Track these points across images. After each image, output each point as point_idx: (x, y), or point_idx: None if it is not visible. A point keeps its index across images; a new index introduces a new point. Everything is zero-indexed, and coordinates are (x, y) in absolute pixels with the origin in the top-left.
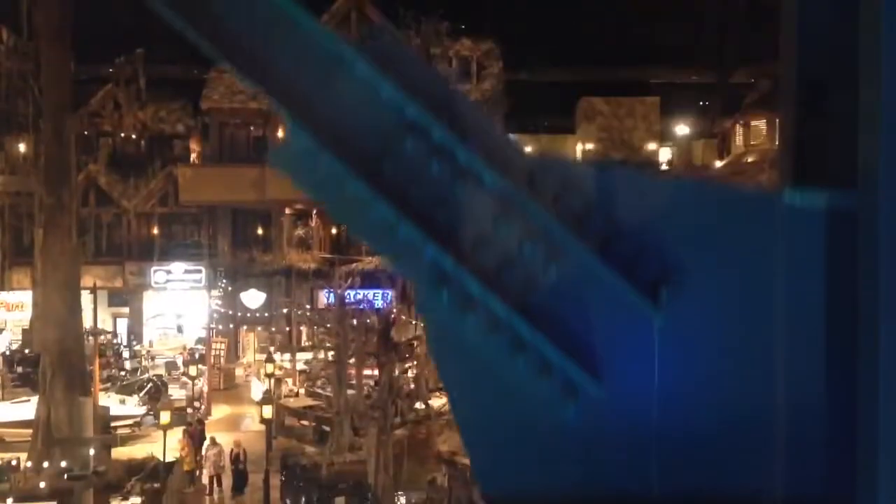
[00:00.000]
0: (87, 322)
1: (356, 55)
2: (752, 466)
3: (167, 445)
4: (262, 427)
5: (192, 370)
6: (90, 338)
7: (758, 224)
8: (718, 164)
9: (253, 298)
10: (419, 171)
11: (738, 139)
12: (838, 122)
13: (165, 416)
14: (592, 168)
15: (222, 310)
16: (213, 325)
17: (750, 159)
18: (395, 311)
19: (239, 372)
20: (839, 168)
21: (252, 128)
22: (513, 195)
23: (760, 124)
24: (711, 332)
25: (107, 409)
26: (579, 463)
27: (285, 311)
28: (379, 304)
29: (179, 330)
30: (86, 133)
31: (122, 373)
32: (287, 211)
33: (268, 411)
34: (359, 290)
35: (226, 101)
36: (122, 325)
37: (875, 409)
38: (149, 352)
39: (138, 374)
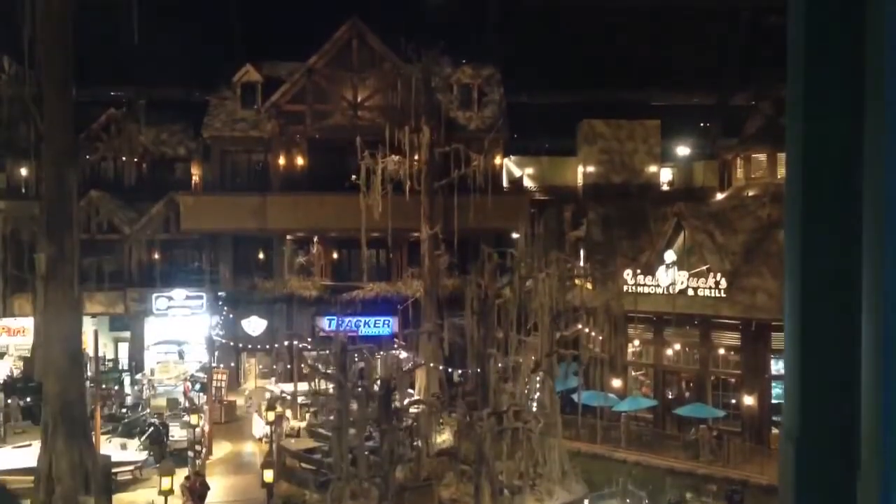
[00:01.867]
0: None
1: None
2: None
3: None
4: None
5: (193, 419)
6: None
7: None
8: (720, 195)
9: (254, 325)
10: None
11: (739, 171)
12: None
13: (166, 482)
14: None
15: (223, 340)
16: (213, 355)
17: (751, 192)
18: (394, 376)
19: (240, 402)
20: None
21: (253, 155)
22: None
23: (761, 157)
24: None
25: (108, 457)
26: None
27: (286, 343)
28: (381, 331)
29: (181, 356)
30: (87, 157)
31: (124, 410)
32: (288, 238)
33: (269, 475)
34: (360, 317)
35: (227, 129)
36: (124, 349)
37: None
38: (150, 381)
39: (140, 409)
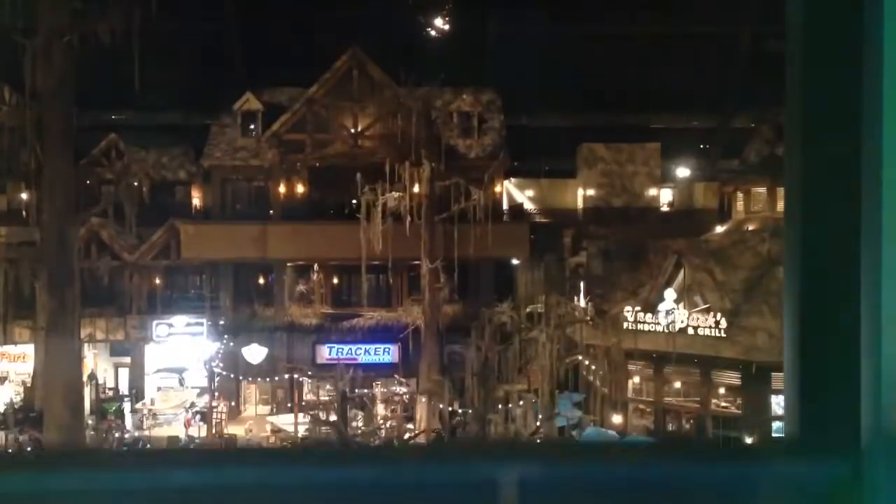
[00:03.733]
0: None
1: None
2: None
3: None
4: None
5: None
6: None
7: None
8: (720, 228)
9: (255, 353)
10: None
11: (739, 205)
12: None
13: None
14: None
15: (223, 372)
16: (213, 386)
17: (751, 227)
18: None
19: (240, 432)
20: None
21: (254, 184)
22: None
23: (761, 190)
24: None
25: None
26: None
27: (287, 375)
28: (381, 359)
29: (181, 382)
30: (88, 182)
31: (124, 447)
32: (288, 265)
33: None
34: (360, 345)
35: (227, 157)
36: (124, 374)
37: None
38: (150, 410)
39: (139, 446)
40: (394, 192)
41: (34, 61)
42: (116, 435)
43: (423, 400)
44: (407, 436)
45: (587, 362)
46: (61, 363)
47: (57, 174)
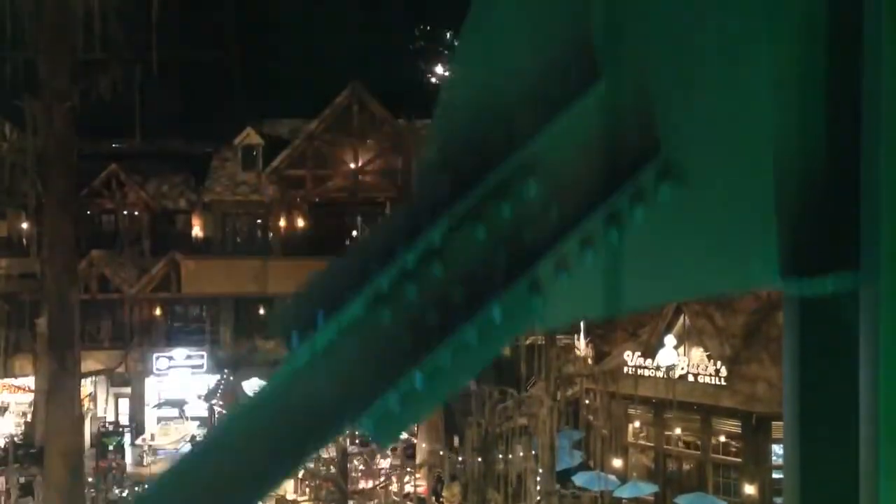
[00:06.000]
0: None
1: None
2: None
3: None
4: None
5: None
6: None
7: None
8: None
9: (255, 387)
10: None
11: None
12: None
13: None
14: None
15: (223, 411)
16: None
17: None
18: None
19: None
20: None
21: (254, 218)
22: None
23: None
24: None
25: None
26: None
27: None
28: None
29: (181, 415)
30: (88, 213)
31: (124, 493)
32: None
33: None
34: None
35: (228, 193)
36: (124, 404)
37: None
38: (150, 446)
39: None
40: None
41: (34, 125)
42: (116, 477)
43: (423, 472)
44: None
45: (587, 401)
46: (62, 399)
47: (58, 208)
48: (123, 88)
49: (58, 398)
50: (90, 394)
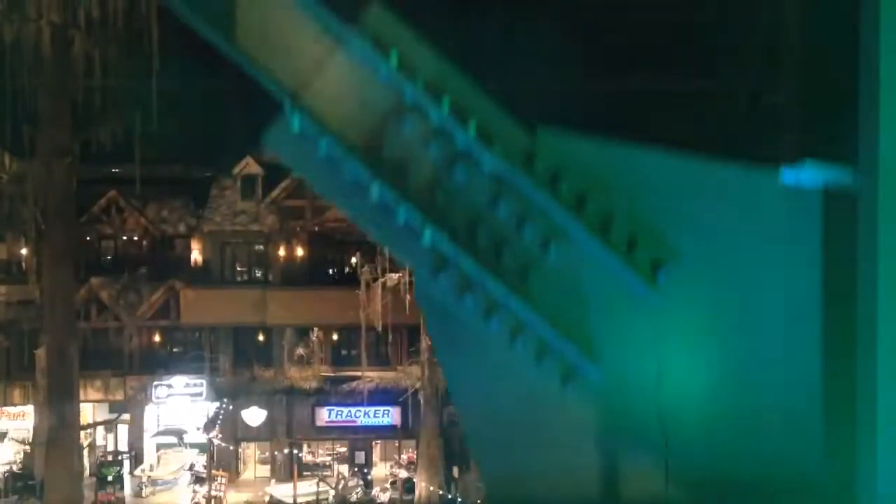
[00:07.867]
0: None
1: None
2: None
3: None
4: None
5: None
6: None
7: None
8: None
9: (254, 416)
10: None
11: None
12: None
13: None
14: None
15: (222, 443)
16: (213, 453)
17: None
18: None
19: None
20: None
21: (253, 248)
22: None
23: None
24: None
25: None
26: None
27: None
28: (381, 421)
29: (180, 443)
30: (87, 239)
31: None
32: (288, 328)
33: None
34: (360, 407)
35: (227, 222)
36: (123, 431)
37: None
38: (149, 477)
39: None
40: (392, 274)
41: (35, 184)
42: None
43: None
44: None
45: None
46: (60, 453)
47: (58, 238)
48: (122, 136)
49: (56, 453)
50: (90, 425)
